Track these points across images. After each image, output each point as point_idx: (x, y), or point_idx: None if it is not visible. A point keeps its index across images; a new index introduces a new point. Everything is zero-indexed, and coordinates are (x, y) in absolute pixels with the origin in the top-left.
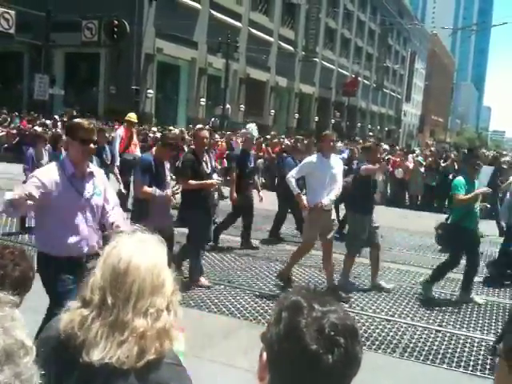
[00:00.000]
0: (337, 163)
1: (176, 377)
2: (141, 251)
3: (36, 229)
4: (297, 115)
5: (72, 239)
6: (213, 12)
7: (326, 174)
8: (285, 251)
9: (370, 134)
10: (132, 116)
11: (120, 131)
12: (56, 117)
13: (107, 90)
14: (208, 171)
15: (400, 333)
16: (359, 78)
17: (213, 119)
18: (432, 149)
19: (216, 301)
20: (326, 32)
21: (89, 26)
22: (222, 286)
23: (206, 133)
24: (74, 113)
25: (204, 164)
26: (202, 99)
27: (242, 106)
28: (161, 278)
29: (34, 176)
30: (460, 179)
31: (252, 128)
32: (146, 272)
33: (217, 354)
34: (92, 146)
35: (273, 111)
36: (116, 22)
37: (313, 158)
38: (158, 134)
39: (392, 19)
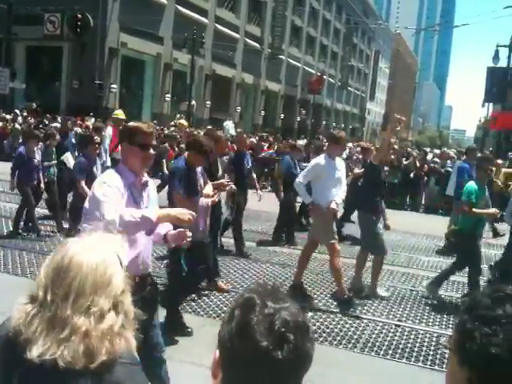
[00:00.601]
0: (341, 165)
1: (131, 376)
2: (88, 249)
3: None
4: (263, 112)
5: (135, 256)
6: (179, 7)
7: (333, 176)
8: (255, 249)
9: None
10: (119, 113)
11: (109, 130)
12: (17, 111)
13: (70, 85)
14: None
15: (361, 328)
16: (324, 76)
17: (178, 115)
18: (395, 147)
19: (191, 302)
20: (292, 30)
21: (51, 19)
22: None
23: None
24: (34, 105)
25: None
26: (167, 95)
27: (207, 102)
28: (106, 276)
29: (110, 185)
30: (472, 185)
31: (229, 125)
32: (88, 269)
33: (181, 352)
34: (152, 151)
35: (239, 108)
36: (79, 16)
37: (321, 159)
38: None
39: (357, 18)
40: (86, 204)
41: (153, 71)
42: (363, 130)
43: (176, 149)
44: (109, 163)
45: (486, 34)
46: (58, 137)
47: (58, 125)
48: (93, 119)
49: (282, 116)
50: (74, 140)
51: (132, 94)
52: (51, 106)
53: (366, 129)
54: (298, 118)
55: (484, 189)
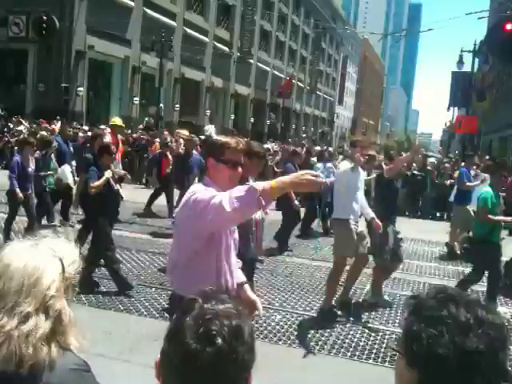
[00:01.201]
0: (362, 173)
1: (83, 383)
2: (20, 251)
3: (182, 266)
4: (232, 116)
5: (223, 279)
6: (146, 10)
7: (357, 185)
8: None
9: (304, 135)
10: (117, 120)
11: (108, 138)
12: None
13: (35, 88)
14: None
15: (328, 330)
16: (294, 81)
17: (147, 119)
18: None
19: (146, 304)
20: (261, 34)
21: (16, 21)
22: (153, 289)
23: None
24: (0, 111)
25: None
26: (135, 98)
27: (176, 105)
28: (33, 278)
29: (213, 195)
30: (488, 191)
31: (211, 129)
32: (15, 271)
33: (146, 357)
34: (240, 169)
35: (208, 111)
36: (45, 18)
37: (347, 166)
38: (90, 133)
39: (325, 24)
40: (189, 220)
41: (121, 74)
42: (332, 134)
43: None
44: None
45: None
46: (54, 143)
47: (23, 128)
48: (59, 123)
49: (252, 120)
50: (71, 148)
51: (100, 97)
52: (17, 109)
53: (335, 133)
54: (268, 122)
55: (498, 195)
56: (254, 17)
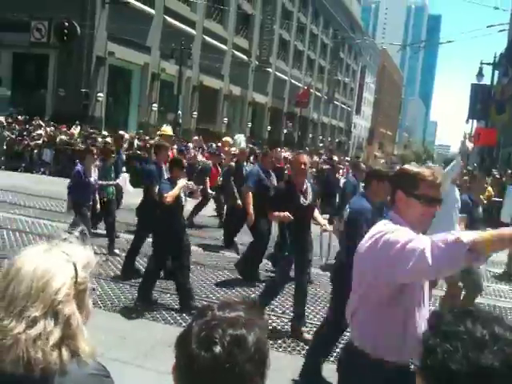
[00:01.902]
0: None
1: None
2: (33, 255)
3: (363, 316)
4: (250, 124)
5: (411, 334)
6: (167, 18)
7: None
8: (223, 258)
9: (321, 144)
10: (167, 129)
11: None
12: (1, 118)
13: (56, 93)
14: (306, 203)
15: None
16: (311, 90)
17: (165, 125)
18: (381, 161)
19: (161, 309)
20: (280, 43)
21: (38, 26)
22: (168, 295)
23: (305, 158)
24: (19, 117)
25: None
26: (154, 105)
27: (194, 113)
28: (42, 281)
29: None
30: None
31: (241, 139)
32: (25, 274)
33: (160, 363)
34: (438, 208)
35: (226, 119)
36: (66, 24)
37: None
38: (109, 139)
39: (344, 34)
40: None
41: (140, 81)
42: (349, 144)
43: (219, 167)
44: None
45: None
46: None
47: (43, 132)
48: (79, 127)
49: (269, 128)
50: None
51: (119, 102)
52: (36, 113)
53: (352, 142)
54: (285, 131)
55: None
56: (272, 26)
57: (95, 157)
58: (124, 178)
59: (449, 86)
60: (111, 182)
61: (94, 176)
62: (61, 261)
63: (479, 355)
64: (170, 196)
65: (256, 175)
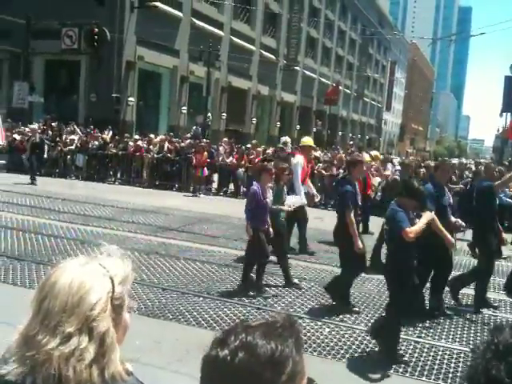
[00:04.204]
0: None
1: None
2: (69, 269)
3: None
4: (278, 123)
5: None
6: (194, 20)
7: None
8: None
9: (351, 142)
10: (308, 140)
11: (300, 159)
12: (35, 125)
13: (87, 98)
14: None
15: (345, 337)
16: (340, 87)
17: (194, 127)
18: (411, 158)
19: (195, 313)
20: (308, 41)
21: (69, 33)
22: (201, 298)
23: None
24: (53, 123)
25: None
26: (183, 107)
27: (223, 114)
28: (77, 296)
29: None
30: None
31: (287, 140)
32: (60, 288)
33: (195, 368)
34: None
35: (254, 119)
36: (96, 30)
37: None
38: (140, 142)
39: (372, 29)
40: None
41: (169, 84)
42: (380, 141)
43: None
44: (302, 192)
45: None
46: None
47: (76, 137)
48: (111, 132)
49: (298, 127)
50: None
51: (149, 106)
52: (69, 119)
53: (383, 139)
54: (314, 129)
55: None
56: (300, 24)
57: (272, 176)
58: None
59: (481, 79)
60: (285, 208)
61: (269, 197)
62: (98, 275)
63: None
64: (414, 232)
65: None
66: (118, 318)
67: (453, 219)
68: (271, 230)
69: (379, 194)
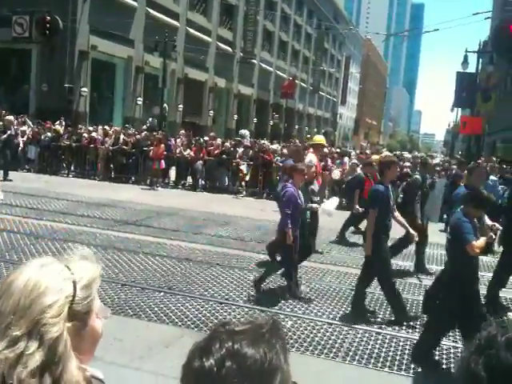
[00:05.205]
0: None
1: None
2: (27, 270)
3: None
4: (236, 116)
5: None
6: (149, 10)
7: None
8: (223, 255)
9: (308, 136)
10: (320, 139)
11: (313, 157)
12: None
13: (39, 88)
14: None
15: (341, 336)
16: (296, 81)
17: (150, 119)
18: (367, 151)
19: (156, 309)
20: (264, 34)
21: (19, 21)
22: (162, 293)
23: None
24: (4, 112)
25: None
26: (138, 98)
27: (180, 106)
28: (29, 298)
29: None
30: None
31: (246, 134)
32: (14, 290)
33: (158, 365)
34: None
35: (211, 112)
36: (48, 18)
37: None
38: (94, 134)
39: (328, 23)
40: None
41: (124, 74)
42: (335, 134)
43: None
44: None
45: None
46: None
47: (27, 128)
48: (63, 123)
49: (255, 120)
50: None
51: (103, 97)
52: (20, 109)
53: (338, 133)
54: (271, 122)
55: None
56: (256, 17)
57: (305, 176)
58: (332, 201)
59: (433, 75)
60: (314, 206)
61: (302, 198)
62: (57, 277)
63: None
64: (477, 247)
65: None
66: (81, 324)
67: (489, 222)
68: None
69: (400, 196)
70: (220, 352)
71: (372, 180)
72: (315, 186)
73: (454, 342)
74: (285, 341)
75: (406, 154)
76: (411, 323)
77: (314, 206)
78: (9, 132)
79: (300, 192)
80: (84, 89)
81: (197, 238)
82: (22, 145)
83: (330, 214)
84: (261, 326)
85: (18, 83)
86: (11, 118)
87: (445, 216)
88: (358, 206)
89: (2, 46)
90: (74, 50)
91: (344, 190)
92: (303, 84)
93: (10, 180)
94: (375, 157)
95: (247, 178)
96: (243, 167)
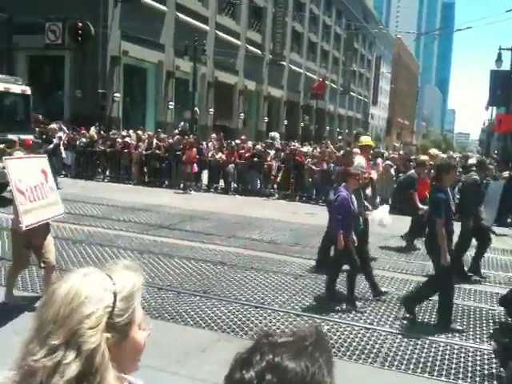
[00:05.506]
0: None
1: None
2: (71, 279)
3: None
4: (266, 119)
5: None
6: (179, 14)
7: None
8: (257, 258)
9: (340, 137)
10: (367, 140)
11: (362, 160)
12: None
13: (73, 94)
14: None
15: (379, 341)
16: (326, 82)
17: (182, 123)
18: (401, 152)
19: (192, 313)
20: (293, 35)
21: (52, 28)
22: (198, 297)
23: None
24: (40, 117)
25: None
26: (170, 103)
27: (210, 109)
28: (69, 307)
29: None
30: None
31: (276, 136)
32: (56, 298)
33: (194, 369)
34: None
35: (242, 115)
36: (80, 24)
37: None
38: (128, 139)
39: (357, 23)
40: None
41: (155, 79)
42: (367, 135)
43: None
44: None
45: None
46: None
47: (63, 134)
48: (97, 128)
49: (286, 122)
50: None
51: (135, 102)
52: (55, 115)
53: (370, 133)
54: (302, 124)
55: None
56: (285, 18)
57: (359, 181)
58: (383, 210)
59: (465, 73)
60: (367, 213)
61: (355, 204)
62: (98, 287)
63: None
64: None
65: None
66: (121, 336)
67: None
68: (354, 237)
69: (457, 196)
70: (261, 364)
71: (425, 180)
72: (368, 190)
73: None
74: (330, 353)
75: (441, 155)
76: (454, 329)
77: (367, 212)
78: (55, 141)
79: (353, 196)
80: (117, 94)
81: (230, 242)
82: (64, 153)
83: (384, 225)
84: (304, 338)
85: (52, 89)
86: (54, 126)
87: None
88: (421, 205)
89: (35, 53)
90: (106, 56)
91: (395, 190)
92: (333, 85)
93: (59, 188)
94: (424, 157)
95: (278, 179)
96: (273, 167)
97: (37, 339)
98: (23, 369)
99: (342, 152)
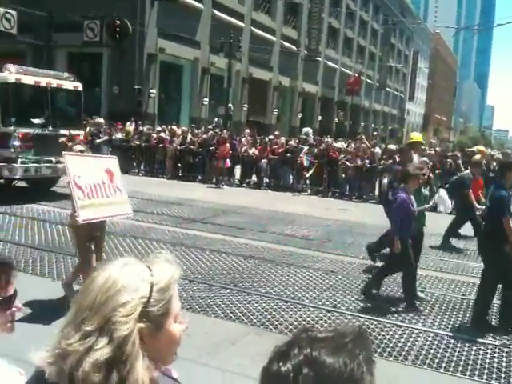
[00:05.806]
0: None
1: None
2: (109, 268)
3: None
4: (300, 114)
5: None
6: (215, 12)
7: None
8: (288, 253)
9: (374, 133)
10: (417, 136)
11: (416, 158)
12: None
13: (110, 91)
14: None
15: (412, 339)
16: (362, 77)
17: (216, 119)
18: (437, 149)
19: (223, 306)
20: (329, 31)
21: (91, 26)
22: (228, 290)
23: None
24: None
25: None
26: (204, 99)
27: (244, 105)
28: (105, 295)
29: None
30: None
31: (309, 132)
32: (94, 286)
33: (224, 362)
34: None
35: (276, 111)
36: (118, 22)
37: None
38: (163, 134)
39: (394, 18)
40: None
41: (190, 76)
42: (403, 131)
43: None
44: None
45: None
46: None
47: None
48: (133, 124)
49: (320, 118)
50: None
51: (170, 98)
52: (93, 112)
53: (406, 130)
54: (336, 120)
55: None
56: (321, 14)
57: (420, 182)
58: (441, 197)
59: (505, 69)
60: (425, 206)
61: (414, 201)
62: (137, 277)
63: None
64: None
65: None
66: (155, 326)
67: None
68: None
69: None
70: (298, 358)
71: (478, 180)
72: (426, 190)
73: None
74: (370, 352)
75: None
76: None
77: (427, 206)
78: (103, 137)
79: (412, 197)
80: (153, 90)
81: (262, 236)
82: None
83: (446, 205)
84: (344, 335)
85: (90, 86)
86: (101, 120)
87: None
88: (478, 205)
89: (74, 51)
90: (143, 53)
91: (447, 190)
92: (369, 80)
93: None
94: (478, 156)
95: (309, 173)
96: (305, 161)
97: (72, 324)
98: (57, 351)
99: (392, 148)
